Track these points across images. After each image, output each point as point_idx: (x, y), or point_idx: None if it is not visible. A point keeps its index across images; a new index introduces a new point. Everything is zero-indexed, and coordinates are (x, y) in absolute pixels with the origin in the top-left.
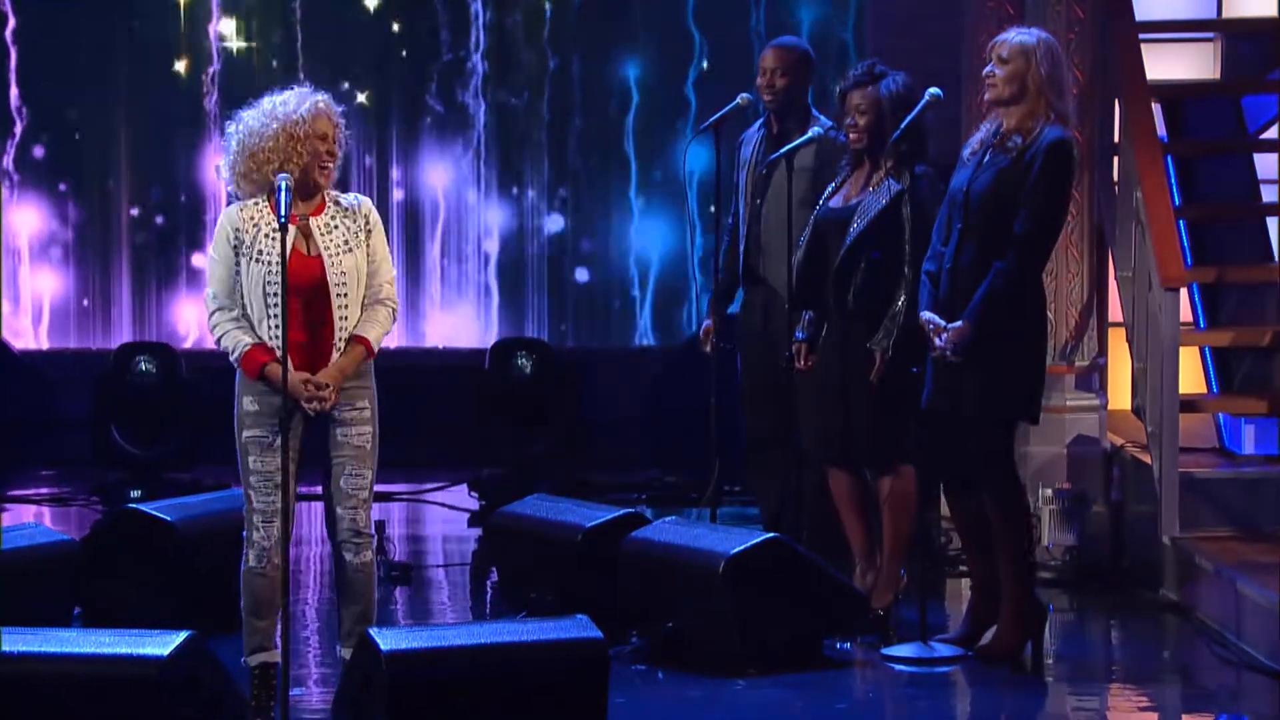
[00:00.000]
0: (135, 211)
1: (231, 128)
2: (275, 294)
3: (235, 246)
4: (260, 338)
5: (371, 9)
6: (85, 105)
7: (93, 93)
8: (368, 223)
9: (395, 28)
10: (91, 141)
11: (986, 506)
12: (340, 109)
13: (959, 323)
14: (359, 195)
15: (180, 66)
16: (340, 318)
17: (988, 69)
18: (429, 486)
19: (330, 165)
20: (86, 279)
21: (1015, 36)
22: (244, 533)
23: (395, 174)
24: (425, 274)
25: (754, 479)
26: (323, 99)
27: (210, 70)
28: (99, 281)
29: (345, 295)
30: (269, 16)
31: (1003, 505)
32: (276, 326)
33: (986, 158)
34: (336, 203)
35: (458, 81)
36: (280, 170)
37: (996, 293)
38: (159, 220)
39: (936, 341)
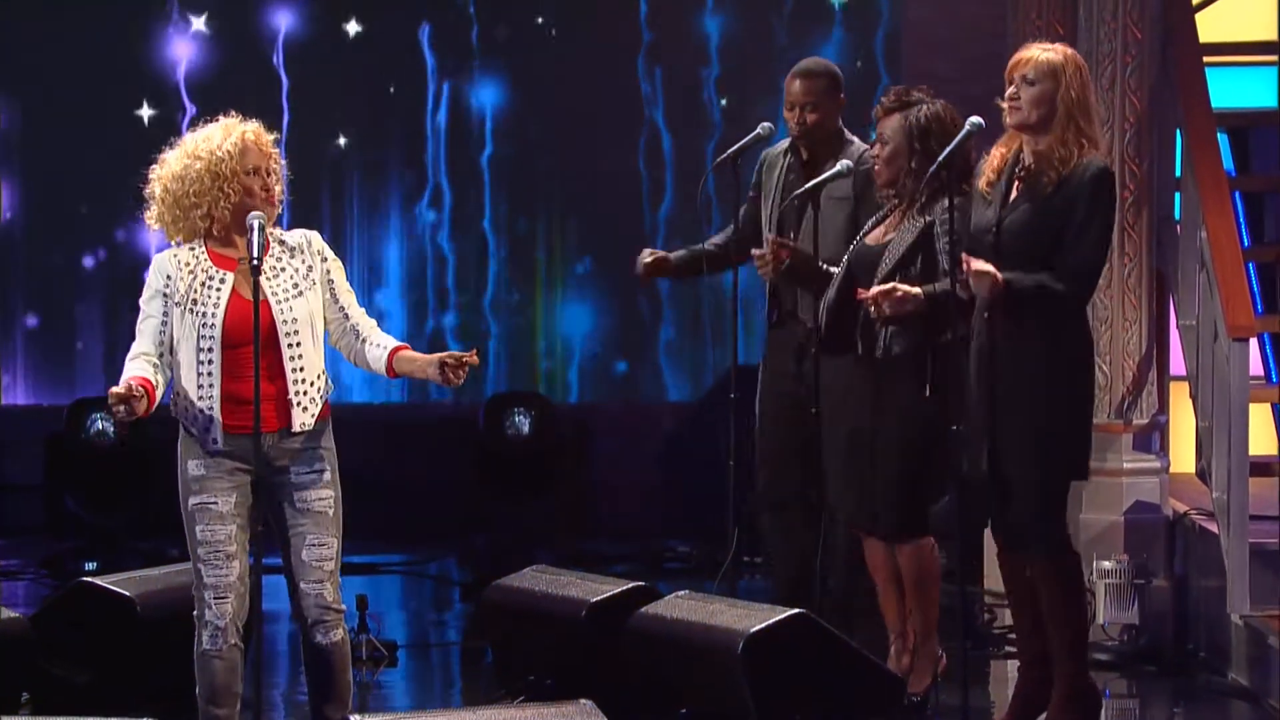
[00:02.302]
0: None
1: (154, 172)
2: (210, 348)
3: (167, 296)
4: (147, 373)
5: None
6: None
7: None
8: (323, 259)
9: None
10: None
11: (1035, 576)
12: (273, 136)
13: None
14: (306, 231)
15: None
16: (294, 369)
17: (1011, 90)
18: (417, 557)
19: (272, 202)
20: (37, 327)
21: (1041, 54)
22: (195, 612)
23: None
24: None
25: (774, 544)
26: (251, 128)
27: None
28: (51, 331)
29: (298, 345)
30: None
31: (1054, 575)
32: (211, 385)
33: (1014, 192)
34: (282, 243)
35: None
36: (209, 215)
37: (1045, 288)
38: (122, 262)
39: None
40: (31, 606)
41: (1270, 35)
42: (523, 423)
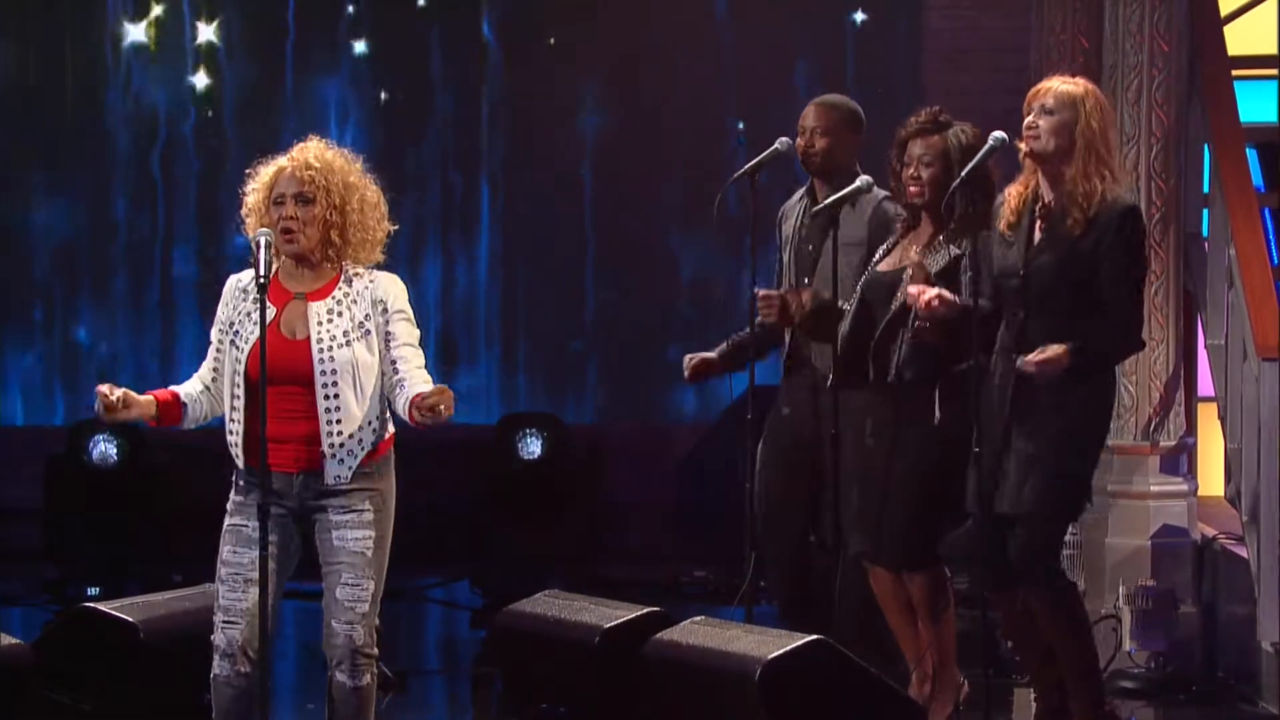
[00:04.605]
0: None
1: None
2: (239, 384)
3: (220, 326)
4: (184, 389)
5: None
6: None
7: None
8: (383, 310)
9: None
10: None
11: (1036, 611)
12: (341, 158)
13: (1058, 347)
14: (379, 275)
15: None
16: (330, 419)
17: (1029, 119)
18: (426, 581)
19: (295, 232)
20: (40, 342)
21: (1060, 85)
22: (212, 635)
23: None
24: None
25: (771, 585)
26: (297, 152)
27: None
28: (57, 346)
29: (335, 396)
30: None
31: (1053, 607)
32: (238, 420)
33: (1038, 232)
34: (350, 283)
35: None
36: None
37: (1105, 352)
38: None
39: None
40: (33, 633)
41: (1270, 49)
42: (535, 444)
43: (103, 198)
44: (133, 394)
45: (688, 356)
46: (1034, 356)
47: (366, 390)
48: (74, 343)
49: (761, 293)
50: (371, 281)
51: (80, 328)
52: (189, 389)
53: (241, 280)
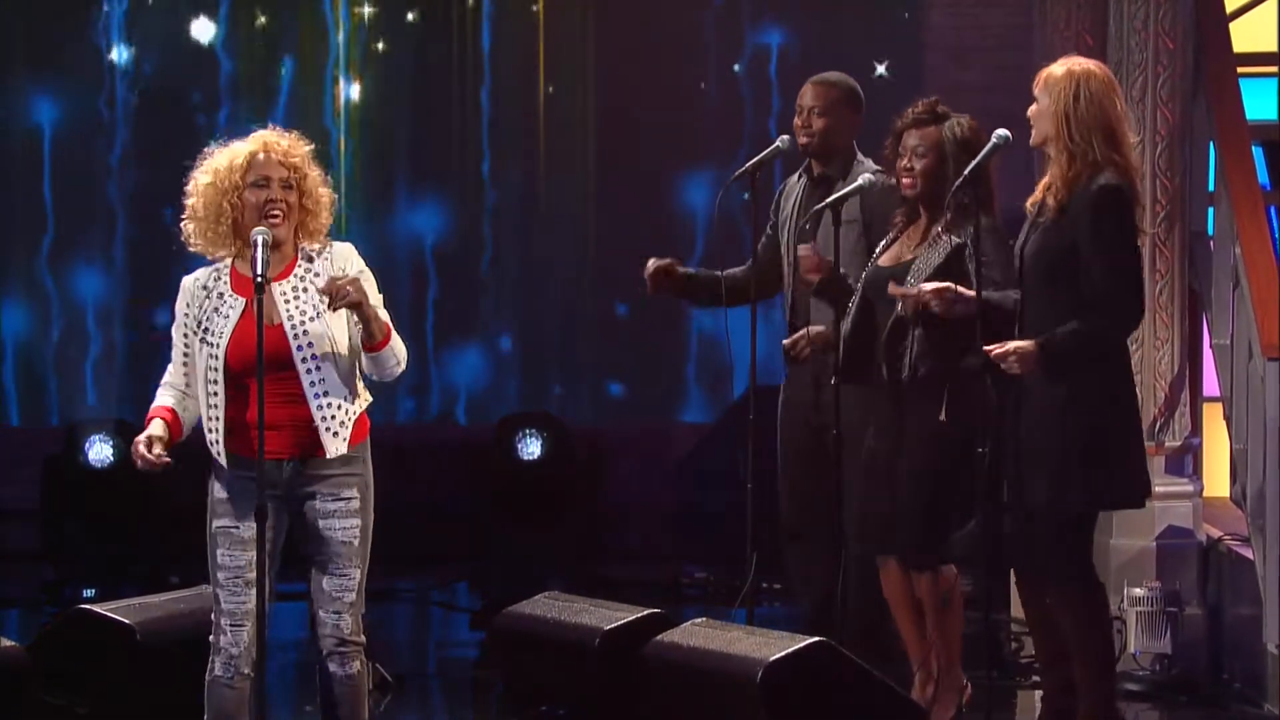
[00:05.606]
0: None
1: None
2: (215, 379)
3: (185, 327)
4: (169, 402)
5: None
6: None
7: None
8: (344, 275)
9: None
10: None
11: (1057, 607)
12: (308, 147)
13: (1024, 343)
14: (336, 244)
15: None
16: (317, 394)
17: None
18: (425, 582)
19: (269, 215)
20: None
21: (1048, 70)
22: (210, 637)
23: None
24: None
25: (794, 574)
26: (272, 138)
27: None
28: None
29: (318, 370)
30: None
31: (1077, 607)
32: (216, 418)
33: (1038, 215)
34: (310, 259)
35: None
36: (209, 232)
37: (1081, 334)
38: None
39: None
40: (29, 635)
41: (1271, 47)
42: (535, 444)
43: (101, 189)
44: (151, 435)
45: (652, 260)
46: (994, 349)
47: (343, 361)
48: (71, 341)
49: (804, 248)
50: (329, 251)
51: (76, 322)
52: (172, 400)
53: (199, 279)
